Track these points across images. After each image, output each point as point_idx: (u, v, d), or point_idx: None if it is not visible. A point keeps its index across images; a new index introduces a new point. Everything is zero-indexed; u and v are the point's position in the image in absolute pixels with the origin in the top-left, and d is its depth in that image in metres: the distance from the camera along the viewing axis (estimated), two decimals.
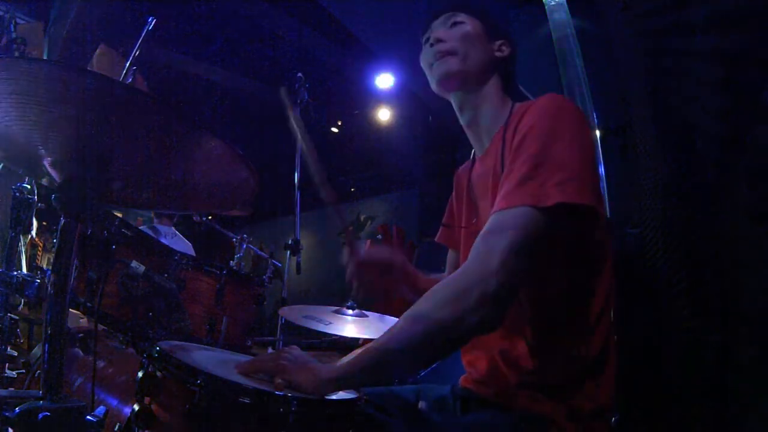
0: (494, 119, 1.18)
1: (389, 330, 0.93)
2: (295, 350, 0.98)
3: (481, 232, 0.94)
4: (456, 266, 1.40)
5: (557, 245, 0.96)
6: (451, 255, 1.46)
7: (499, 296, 0.88)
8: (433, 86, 1.22)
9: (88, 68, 1.30)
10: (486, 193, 1.14)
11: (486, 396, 1.09)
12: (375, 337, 2.03)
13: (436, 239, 1.46)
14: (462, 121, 1.25)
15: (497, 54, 1.21)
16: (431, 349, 0.92)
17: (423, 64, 1.24)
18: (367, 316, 2.03)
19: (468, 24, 1.20)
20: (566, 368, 1.02)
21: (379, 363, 0.91)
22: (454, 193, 1.39)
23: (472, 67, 1.18)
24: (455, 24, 1.21)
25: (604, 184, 2.84)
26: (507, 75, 1.23)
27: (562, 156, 0.93)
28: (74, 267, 0.88)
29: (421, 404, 1.15)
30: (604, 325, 1.04)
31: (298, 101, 2.79)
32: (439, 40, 1.19)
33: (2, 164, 1.74)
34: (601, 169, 2.87)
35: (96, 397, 1.38)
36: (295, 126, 1.18)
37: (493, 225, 0.93)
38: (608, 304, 1.06)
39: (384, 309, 1.51)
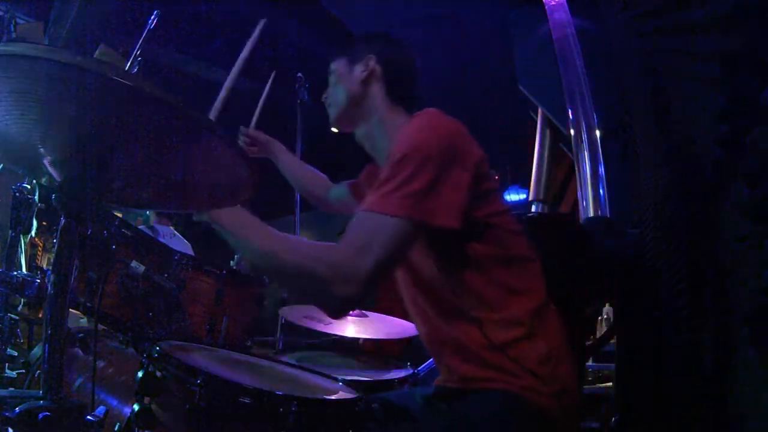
0: (388, 139, 1.22)
1: (278, 237, 1.03)
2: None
3: (351, 223, 1.01)
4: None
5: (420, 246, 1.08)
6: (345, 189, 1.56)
7: (360, 287, 0.95)
8: None
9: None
10: None
11: (457, 387, 1.14)
12: (374, 336, 2.04)
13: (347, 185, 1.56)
14: (367, 151, 1.32)
15: (362, 75, 1.26)
16: (287, 283, 1.12)
17: None
18: (367, 316, 2.04)
19: (335, 69, 1.31)
20: (504, 337, 1.07)
21: (242, 243, 1.05)
22: (365, 175, 1.47)
23: (343, 105, 1.28)
24: (330, 75, 1.33)
25: (604, 183, 2.84)
26: (388, 84, 1.26)
27: (416, 170, 0.98)
28: (74, 267, 0.88)
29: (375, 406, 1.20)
30: (528, 286, 1.12)
31: (298, 101, 2.78)
32: (324, 99, 1.35)
33: (2, 164, 1.74)
34: (601, 169, 2.88)
35: (96, 397, 1.38)
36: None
37: (354, 222, 1.01)
38: (528, 266, 1.14)
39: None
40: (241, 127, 1.65)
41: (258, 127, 1.73)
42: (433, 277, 1.12)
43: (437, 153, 1.01)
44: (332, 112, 1.32)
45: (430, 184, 0.98)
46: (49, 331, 0.85)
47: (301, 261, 0.99)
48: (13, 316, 1.81)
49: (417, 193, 0.97)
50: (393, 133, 1.19)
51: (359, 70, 1.26)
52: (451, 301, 1.11)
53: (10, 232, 1.63)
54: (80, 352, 1.59)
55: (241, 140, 1.65)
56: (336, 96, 1.30)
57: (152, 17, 1.81)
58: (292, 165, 1.69)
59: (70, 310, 1.55)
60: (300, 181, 1.68)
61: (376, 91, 1.26)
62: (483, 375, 1.08)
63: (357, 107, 1.27)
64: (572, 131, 2.91)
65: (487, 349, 1.07)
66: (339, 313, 1.10)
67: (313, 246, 1.03)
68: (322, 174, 1.69)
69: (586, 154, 2.83)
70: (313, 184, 1.67)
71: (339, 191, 1.59)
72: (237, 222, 1.05)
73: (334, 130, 1.36)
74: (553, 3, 2.80)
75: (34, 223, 1.56)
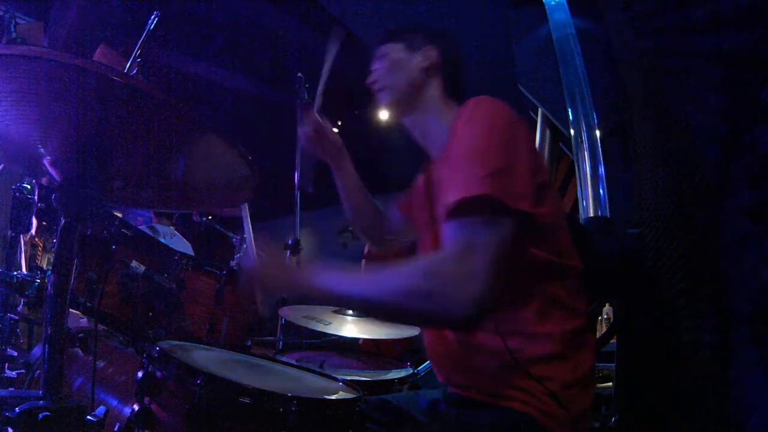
0: (441, 129, 1.19)
1: (370, 278, 0.98)
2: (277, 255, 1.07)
3: (443, 238, 0.96)
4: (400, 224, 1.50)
5: (514, 248, 0.97)
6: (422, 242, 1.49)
7: (477, 299, 0.90)
8: None
9: None
10: (429, 203, 1.21)
11: (472, 397, 1.09)
12: (374, 336, 2.03)
13: (395, 207, 1.52)
14: (417, 140, 1.29)
15: (423, 64, 1.24)
16: (397, 319, 1.02)
17: None
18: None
19: (389, 52, 1.27)
20: (539, 356, 1.02)
21: (345, 303, 1.05)
22: (418, 184, 1.41)
23: (401, 91, 1.24)
24: (381, 58, 1.28)
25: (604, 183, 2.84)
26: (446, 77, 1.25)
27: (485, 155, 0.96)
28: (74, 267, 0.88)
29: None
30: (576, 307, 1.07)
31: (299, 101, 2.78)
32: (372, 83, 1.29)
33: (2, 164, 1.74)
34: (601, 169, 2.88)
35: (96, 397, 1.38)
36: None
37: (444, 235, 0.96)
38: (580, 287, 1.09)
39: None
40: (314, 113, 1.43)
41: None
42: None
43: (505, 137, 0.99)
44: (387, 96, 1.26)
45: (505, 167, 0.95)
46: (49, 331, 0.85)
47: (412, 289, 0.92)
48: (13, 316, 1.81)
49: (495, 174, 0.93)
50: (447, 124, 1.16)
51: (419, 59, 1.24)
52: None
53: (9, 232, 1.63)
54: (80, 352, 1.59)
55: (306, 128, 1.43)
56: (393, 80, 1.26)
57: (152, 18, 1.81)
58: (353, 178, 1.51)
59: (70, 310, 1.55)
60: (355, 197, 1.50)
61: (435, 82, 1.24)
62: (500, 392, 1.03)
63: (415, 95, 1.24)
64: (572, 131, 2.91)
65: (507, 365, 1.02)
66: (472, 322, 0.99)
67: (414, 268, 0.95)
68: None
69: (586, 154, 2.83)
70: (365, 204, 1.52)
71: (393, 214, 1.53)
72: (322, 285, 0.97)
73: (388, 113, 1.30)
74: (553, 3, 2.79)
75: (34, 221, 1.56)
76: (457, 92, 1.26)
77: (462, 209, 0.93)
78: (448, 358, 1.15)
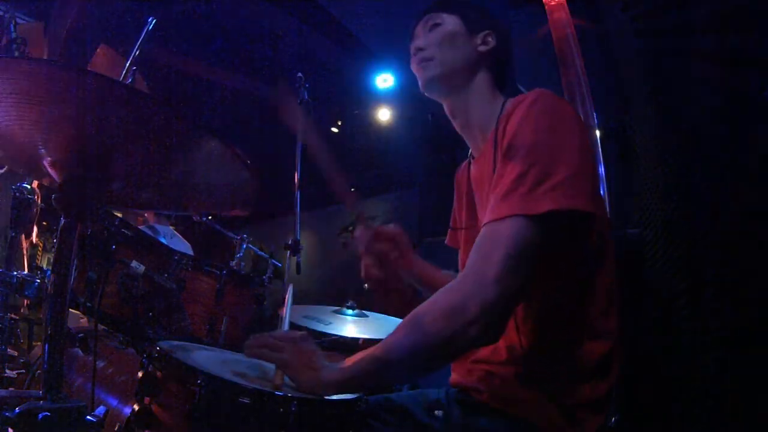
0: (487, 119, 1.15)
1: (390, 337, 0.93)
2: (307, 342, 0.99)
3: (475, 243, 0.93)
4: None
5: (554, 250, 0.93)
6: (461, 256, 1.45)
7: (499, 307, 0.87)
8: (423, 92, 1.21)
9: (88, 68, 1.30)
10: (483, 196, 1.13)
11: (482, 400, 1.07)
12: (374, 336, 2.04)
13: (445, 242, 1.44)
14: (456, 126, 1.23)
15: (481, 48, 1.17)
16: (431, 359, 0.93)
17: (414, 71, 1.23)
18: (367, 316, 2.04)
19: (446, 23, 1.18)
20: (562, 372, 1.00)
21: (379, 371, 0.92)
22: (455, 196, 1.37)
23: (452, 68, 1.15)
24: (434, 26, 1.19)
25: (604, 184, 2.84)
26: (497, 68, 1.20)
27: (552, 159, 0.91)
28: (74, 267, 0.88)
29: (438, 413, 1.14)
30: (605, 328, 1.02)
31: (299, 101, 2.78)
32: (418, 49, 1.18)
33: (4, 167, 1.74)
34: (601, 169, 2.87)
35: (96, 397, 1.38)
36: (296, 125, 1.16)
37: (486, 235, 0.92)
38: (610, 307, 1.04)
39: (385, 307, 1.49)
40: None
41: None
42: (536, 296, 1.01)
43: (571, 139, 0.94)
44: (434, 68, 1.16)
45: (573, 172, 0.90)
46: (49, 331, 0.85)
47: (444, 319, 0.87)
48: (13, 316, 1.81)
49: (562, 184, 0.88)
50: (494, 114, 1.12)
51: (479, 41, 1.17)
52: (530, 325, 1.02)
53: (10, 232, 1.63)
54: (80, 352, 1.59)
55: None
56: (446, 54, 1.15)
57: (149, 22, 1.81)
58: (427, 270, 1.34)
59: (70, 310, 1.55)
60: (435, 284, 1.26)
61: (486, 69, 1.18)
62: (513, 400, 1.01)
63: (465, 76, 1.16)
64: None
65: (530, 376, 1.00)
66: (491, 329, 0.91)
67: (439, 301, 0.91)
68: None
69: None
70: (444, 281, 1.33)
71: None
72: (355, 376, 0.92)
73: (424, 88, 1.19)
74: (553, 3, 2.79)
75: (35, 230, 1.56)
76: (503, 82, 1.20)
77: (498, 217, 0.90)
78: (475, 360, 1.12)
